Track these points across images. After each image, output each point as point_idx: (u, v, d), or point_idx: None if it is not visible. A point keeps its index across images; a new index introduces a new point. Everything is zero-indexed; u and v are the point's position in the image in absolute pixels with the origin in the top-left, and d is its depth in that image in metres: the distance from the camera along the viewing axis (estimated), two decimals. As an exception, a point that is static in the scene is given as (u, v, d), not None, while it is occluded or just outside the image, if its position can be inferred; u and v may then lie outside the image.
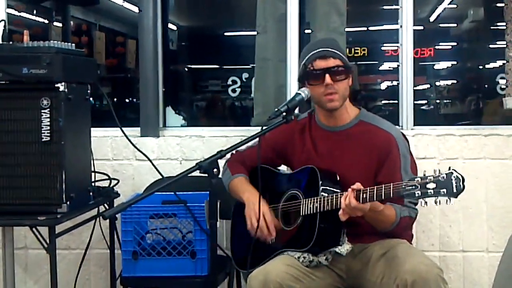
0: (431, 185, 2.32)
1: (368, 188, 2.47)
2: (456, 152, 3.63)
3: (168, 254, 3.16)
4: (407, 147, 2.82)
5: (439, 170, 2.33)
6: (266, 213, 2.80)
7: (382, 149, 2.76)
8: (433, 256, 3.51)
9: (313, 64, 2.74)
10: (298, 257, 2.69)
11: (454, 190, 2.29)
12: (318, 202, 2.65)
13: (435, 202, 2.33)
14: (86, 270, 3.73)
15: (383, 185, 2.44)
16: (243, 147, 2.72)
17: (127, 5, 5.33)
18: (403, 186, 2.38)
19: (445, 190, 2.30)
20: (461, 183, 2.29)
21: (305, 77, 2.77)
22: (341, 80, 2.73)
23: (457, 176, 2.30)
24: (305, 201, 2.72)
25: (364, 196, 2.46)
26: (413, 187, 2.35)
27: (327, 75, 2.71)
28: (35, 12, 5.03)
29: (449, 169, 2.33)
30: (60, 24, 5.07)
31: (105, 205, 3.26)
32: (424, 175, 2.35)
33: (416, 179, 2.35)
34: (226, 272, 3.29)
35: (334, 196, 2.61)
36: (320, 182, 2.69)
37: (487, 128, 3.69)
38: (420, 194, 2.34)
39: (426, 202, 2.35)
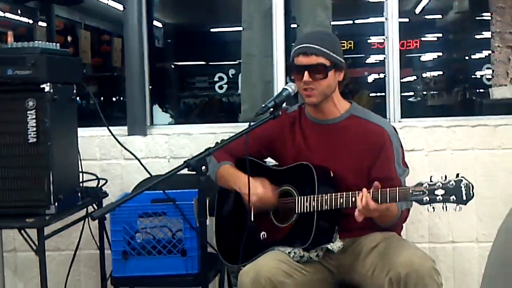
0: (440, 192, 2.33)
1: (380, 190, 2.47)
2: (444, 143, 3.64)
3: (158, 253, 3.15)
4: (398, 140, 2.82)
5: (446, 176, 2.34)
6: (264, 182, 2.78)
7: (375, 143, 2.75)
8: (422, 247, 3.50)
9: (296, 59, 2.74)
10: (289, 253, 2.68)
11: (464, 198, 2.31)
12: (316, 201, 2.64)
13: (443, 208, 2.34)
14: (76, 271, 3.71)
15: (388, 189, 2.45)
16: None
17: (112, 3, 5.31)
18: (410, 191, 2.39)
19: (454, 197, 2.31)
20: (470, 190, 2.31)
21: (289, 70, 2.80)
22: (320, 78, 2.71)
23: (466, 183, 2.32)
24: (301, 198, 2.71)
25: (382, 197, 2.46)
26: (421, 192, 2.36)
27: (306, 72, 2.69)
28: (19, 12, 5.00)
29: (458, 176, 2.34)
30: (44, 24, 5.04)
31: (94, 205, 3.24)
32: (431, 180, 2.36)
33: (424, 185, 2.36)
34: (217, 269, 3.29)
35: (333, 197, 2.60)
36: (317, 181, 2.68)
37: (474, 119, 3.70)
38: (428, 200, 2.35)
39: (434, 208, 2.36)
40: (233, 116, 4.12)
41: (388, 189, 2.46)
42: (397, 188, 2.45)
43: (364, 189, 2.49)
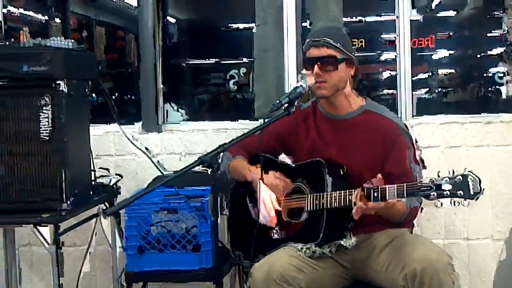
0: (447, 186, 2.31)
1: (379, 187, 2.47)
2: (459, 140, 3.63)
3: (172, 248, 3.17)
4: (410, 137, 2.83)
5: (454, 171, 2.33)
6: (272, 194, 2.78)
7: (387, 138, 2.76)
8: (438, 244, 3.48)
9: (307, 52, 2.78)
10: (301, 248, 2.69)
11: (471, 192, 2.29)
12: (325, 199, 2.64)
13: (451, 203, 2.33)
14: (91, 266, 3.74)
15: (396, 185, 2.44)
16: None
17: (127, -1, 5.32)
18: (418, 187, 2.38)
19: (461, 192, 2.30)
20: (478, 184, 2.29)
21: (302, 63, 2.82)
22: (330, 70, 2.72)
23: (473, 178, 2.30)
24: (311, 196, 2.71)
25: (376, 195, 2.46)
26: (428, 188, 2.34)
27: (316, 65, 2.72)
28: (34, 9, 5.02)
29: (465, 170, 2.32)
30: (59, 21, 5.06)
31: (108, 201, 3.25)
32: (439, 176, 2.35)
33: (431, 180, 2.35)
34: (230, 264, 3.29)
35: (342, 194, 2.60)
36: (327, 178, 2.67)
37: (490, 116, 3.68)
38: (435, 195, 2.33)
39: (441, 203, 2.35)
40: (247, 113, 4.12)
41: (387, 186, 2.46)
42: (395, 185, 2.44)
43: (359, 188, 2.50)
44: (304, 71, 2.78)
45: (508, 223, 3.57)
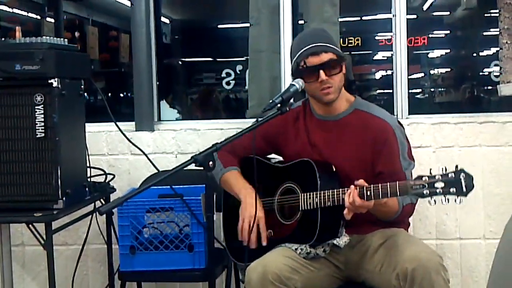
0: (439, 184, 2.31)
1: (372, 186, 2.47)
2: (452, 140, 3.63)
3: (165, 248, 3.15)
4: (403, 133, 2.81)
5: (446, 168, 2.32)
6: (261, 219, 2.77)
7: (378, 138, 2.75)
8: (430, 244, 3.50)
9: (306, 61, 2.70)
10: (296, 249, 2.69)
11: (464, 189, 2.29)
12: (319, 198, 2.64)
13: (443, 201, 2.33)
14: (84, 265, 3.73)
15: (388, 183, 2.44)
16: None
17: (120, -1, 5.32)
18: (410, 185, 2.38)
19: (454, 189, 2.29)
20: (470, 181, 2.29)
21: (299, 74, 2.71)
22: (336, 73, 2.71)
23: (466, 174, 2.30)
24: (304, 195, 2.71)
25: (368, 193, 2.46)
26: (421, 186, 2.34)
27: (321, 72, 2.67)
28: (27, 8, 5.02)
29: (457, 167, 2.32)
30: (52, 20, 5.05)
31: (102, 200, 3.24)
32: (431, 173, 2.35)
33: (423, 178, 2.34)
34: (224, 264, 3.29)
35: (336, 193, 2.60)
36: (318, 177, 2.67)
37: (482, 116, 3.68)
38: (428, 193, 2.33)
39: (435, 201, 2.35)
40: (241, 112, 4.12)
41: (380, 184, 2.46)
42: (388, 184, 2.44)
43: (352, 186, 2.49)
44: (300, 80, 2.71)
45: (500, 223, 3.57)
